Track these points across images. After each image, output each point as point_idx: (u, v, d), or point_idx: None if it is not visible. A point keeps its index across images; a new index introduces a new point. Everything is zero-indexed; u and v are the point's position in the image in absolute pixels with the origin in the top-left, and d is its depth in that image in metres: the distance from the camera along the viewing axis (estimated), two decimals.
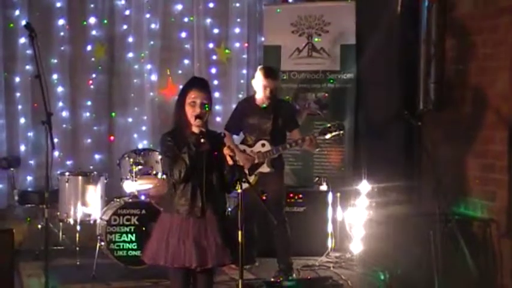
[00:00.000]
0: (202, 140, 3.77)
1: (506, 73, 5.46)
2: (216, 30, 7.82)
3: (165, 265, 3.85)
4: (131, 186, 6.19)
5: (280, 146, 5.94)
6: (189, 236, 3.81)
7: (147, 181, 6.32)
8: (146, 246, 3.97)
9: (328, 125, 5.91)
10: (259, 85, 6.00)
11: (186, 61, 7.72)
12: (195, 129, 3.83)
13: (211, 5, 7.78)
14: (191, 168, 3.79)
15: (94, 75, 7.50)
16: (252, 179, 5.94)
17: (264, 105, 6.00)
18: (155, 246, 3.87)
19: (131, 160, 6.16)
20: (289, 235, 6.03)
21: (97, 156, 7.48)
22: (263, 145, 5.99)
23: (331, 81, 7.32)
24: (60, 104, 7.37)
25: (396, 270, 5.55)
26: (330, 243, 6.82)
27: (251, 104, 6.11)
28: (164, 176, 6.02)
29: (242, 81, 7.83)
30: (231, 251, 3.88)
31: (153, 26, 7.62)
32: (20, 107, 7.27)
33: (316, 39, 7.34)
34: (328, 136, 5.84)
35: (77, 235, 6.37)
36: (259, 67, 6.26)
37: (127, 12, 7.57)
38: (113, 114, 7.59)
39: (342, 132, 5.82)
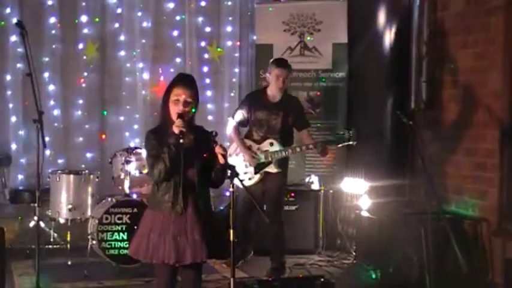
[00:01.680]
0: (181, 141, 3.75)
1: (497, 72, 5.48)
2: (208, 29, 7.81)
3: (145, 260, 3.89)
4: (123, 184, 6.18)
5: (290, 149, 5.86)
6: (170, 232, 3.83)
7: (139, 179, 6.31)
8: (131, 241, 4.02)
9: (342, 133, 5.85)
10: (272, 76, 5.92)
11: (178, 59, 7.71)
12: (175, 129, 3.79)
13: (203, 3, 7.76)
14: (171, 169, 3.79)
15: (86, 74, 7.46)
16: (256, 177, 5.91)
17: (275, 100, 5.92)
18: (138, 242, 3.91)
19: (123, 158, 6.15)
20: (285, 236, 6.03)
21: (89, 155, 7.46)
22: (271, 144, 5.90)
23: (323, 80, 7.33)
24: (52, 102, 7.34)
25: (388, 268, 5.56)
26: (321, 241, 6.84)
27: (261, 97, 6.03)
28: None
29: (234, 79, 7.83)
30: (216, 247, 3.88)
31: (144, 24, 7.60)
32: (11, 105, 7.23)
33: (308, 38, 7.35)
34: (340, 145, 5.84)
35: (69, 234, 6.36)
36: (271, 60, 6.22)
37: (119, 11, 7.55)
38: (105, 112, 7.57)
39: (355, 142, 5.77)
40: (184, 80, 3.96)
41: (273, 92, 5.96)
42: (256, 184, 5.91)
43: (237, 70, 7.85)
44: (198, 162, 3.86)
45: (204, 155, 3.86)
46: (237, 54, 7.84)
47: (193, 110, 3.89)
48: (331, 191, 7.03)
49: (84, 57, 7.45)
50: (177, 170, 3.81)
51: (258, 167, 5.91)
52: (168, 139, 3.80)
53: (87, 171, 6.55)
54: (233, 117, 6.10)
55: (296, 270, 6.18)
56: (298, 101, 6.30)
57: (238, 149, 5.98)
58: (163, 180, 3.83)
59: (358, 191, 6.67)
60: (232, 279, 3.77)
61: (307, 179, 7.07)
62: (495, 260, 5.41)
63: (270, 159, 5.88)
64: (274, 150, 5.88)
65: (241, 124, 6.12)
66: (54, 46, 7.35)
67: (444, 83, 6.20)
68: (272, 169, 5.91)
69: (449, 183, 6.05)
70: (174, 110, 3.85)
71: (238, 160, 5.88)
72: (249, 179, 5.89)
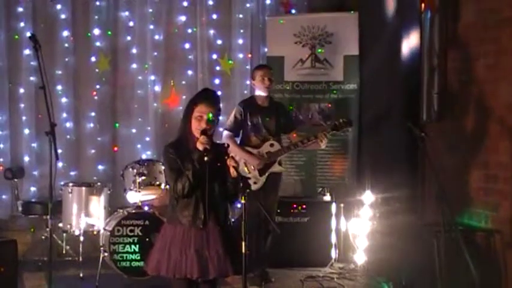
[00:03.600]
0: (205, 159, 3.75)
1: (509, 83, 5.45)
2: (219, 41, 7.84)
3: (167, 276, 3.85)
4: (135, 196, 6.20)
5: (291, 145, 6.07)
6: (191, 246, 3.81)
7: (151, 192, 6.32)
8: (149, 257, 3.97)
9: (339, 120, 6.07)
10: (257, 80, 6.15)
11: (190, 72, 7.74)
12: (200, 146, 3.79)
13: (214, 16, 7.80)
14: (195, 185, 3.79)
15: (98, 86, 7.52)
16: (261, 179, 5.95)
17: (265, 105, 6.16)
18: (157, 257, 3.87)
19: (135, 171, 6.17)
20: (270, 245, 6.09)
21: (100, 167, 7.49)
22: (271, 145, 6.06)
23: (334, 91, 7.33)
24: (64, 114, 7.39)
25: (400, 280, 5.53)
26: (333, 253, 6.81)
27: (252, 103, 6.21)
28: (168, 187, 6.03)
29: (245, 91, 7.84)
30: (235, 262, 3.85)
31: (156, 37, 7.65)
32: (24, 117, 7.30)
33: (319, 50, 7.37)
34: (339, 131, 6.09)
35: (80, 246, 6.38)
36: (252, 69, 6.46)
37: (131, 24, 7.61)
38: (117, 124, 7.61)
39: (351, 127, 6.14)
40: (210, 98, 3.97)
41: (262, 96, 6.19)
42: (258, 190, 5.93)
43: (248, 82, 7.85)
44: (219, 177, 3.86)
45: (218, 164, 3.86)
46: (248, 67, 7.86)
47: (210, 117, 3.89)
48: (342, 204, 7.00)
49: (97, 70, 7.51)
50: (202, 185, 3.80)
51: (264, 170, 5.99)
52: (191, 155, 3.81)
53: (99, 183, 6.59)
54: (227, 127, 6.20)
55: (308, 283, 6.16)
56: (285, 105, 6.69)
57: (237, 156, 5.98)
58: (186, 195, 3.82)
59: (370, 203, 6.65)
60: None
61: (318, 191, 7.06)
62: (508, 272, 5.36)
63: (273, 159, 6.00)
64: (276, 149, 6.03)
65: (237, 134, 6.20)
66: (66, 59, 7.42)
67: (456, 94, 6.18)
68: (276, 168, 6.06)
69: (462, 195, 6.01)
70: (196, 126, 3.86)
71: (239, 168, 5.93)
72: (254, 183, 5.93)
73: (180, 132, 3.98)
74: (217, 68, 7.84)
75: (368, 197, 6.64)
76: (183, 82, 7.67)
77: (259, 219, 5.81)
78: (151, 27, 7.63)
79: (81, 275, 6.19)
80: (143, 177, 6.13)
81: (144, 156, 7.30)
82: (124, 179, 6.38)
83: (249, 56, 7.85)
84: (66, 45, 7.43)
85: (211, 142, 3.85)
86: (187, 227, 3.84)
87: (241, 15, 7.81)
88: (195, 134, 3.86)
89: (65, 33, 7.42)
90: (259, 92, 6.19)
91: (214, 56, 7.83)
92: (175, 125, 4.08)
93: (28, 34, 5.82)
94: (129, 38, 7.62)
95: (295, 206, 6.75)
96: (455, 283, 5.00)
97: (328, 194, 6.96)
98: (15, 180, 7.00)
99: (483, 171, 5.77)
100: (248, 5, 7.81)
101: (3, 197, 7.21)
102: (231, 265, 3.85)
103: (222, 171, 3.86)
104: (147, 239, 5.85)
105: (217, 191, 3.89)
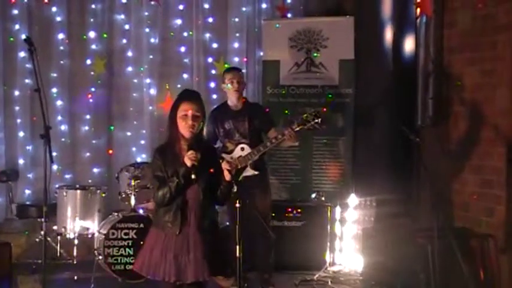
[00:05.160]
0: (192, 176, 3.78)
1: (505, 89, 5.47)
2: (215, 45, 7.84)
3: (147, 277, 3.94)
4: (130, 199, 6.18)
5: (260, 146, 5.84)
6: (171, 251, 3.86)
7: (146, 195, 6.31)
8: (137, 256, 4.09)
9: (305, 114, 5.81)
10: (227, 83, 6.02)
11: (185, 75, 7.74)
12: (187, 162, 3.81)
13: (210, 19, 7.80)
14: (175, 197, 3.83)
15: (93, 89, 7.51)
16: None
17: (238, 108, 6.02)
18: (141, 259, 3.97)
19: (130, 174, 6.16)
20: (271, 252, 5.98)
21: (96, 170, 7.48)
22: (242, 149, 5.89)
23: (330, 96, 7.33)
24: (59, 117, 7.38)
25: (395, 284, 5.53)
26: (328, 257, 6.81)
27: (224, 109, 6.11)
28: None
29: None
30: (220, 265, 3.91)
31: (152, 40, 7.65)
32: (19, 120, 7.28)
33: (315, 54, 7.37)
34: (307, 126, 5.75)
35: (75, 249, 6.37)
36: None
37: (126, 27, 7.60)
38: (112, 127, 7.60)
39: (320, 119, 5.74)
40: (191, 95, 4.00)
41: (233, 100, 6.04)
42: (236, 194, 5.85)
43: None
44: (204, 181, 3.87)
45: (211, 170, 3.87)
46: (244, 71, 7.84)
47: (201, 124, 3.91)
48: (337, 207, 7.01)
49: (92, 72, 7.49)
50: (182, 194, 3.86)
51: (236, 175, 5.85)
52: (177, 166, 3.82)
53: (94, 186, 6.58)
54: None
55: (302, 287, 6.16)
56: (260, 105, 6.55)
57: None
58: (165, 204, 3.88)
59: (365, 207, 6.65)
60: None
61: (313, 195, 7.06)
62: (502, 277, 5.38)
63: (244, 163, 5.84)
64: (247, 153, 5.85)
65: (212, 142, 6.02)
66: (62, 62, 7.41)
67: (451, 100, 6.20)
68: (248, 172, 5.84)
69: (456, 199, 6.03)
70: (183, 125, 3.88)
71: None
72: None
73: (168, 134, 4.00)
74: (213, 71, 7.83)
75: (362, 200, 6.64)
76: (179, 85, 7.65)
77: (253, 224, 5.78)
78: (147, 30, 7.63)
79: (75, 278, 6.17)
80: (138, 181, 6.14)
81: (139, 160, 7.28)
82: (119, 182, 6.38)
83: (245, 59, 7.84)
84: (62, 47, 7.41)
85: (196, 142, 3.86)
86: (169, 231, 3.88)
87: (237, 19, 7.82)
88: (183, 133, 3.89)
89: (61, 36, 7.41)
90: (230, 96, 6.07)
91: (210, 60, 7.82)
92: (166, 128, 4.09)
93: (23, 36, 5.82)
94: (124, 41, 7.61)
95: (290, 210, 6.74)
96: (449, 287, 5.01)
97: (323, 198, 6.95)
98: (10, 183, 6.99)
99: (478, 176, 5.79)
100: (244, 9, 7.82)
101: None
102: (207, 268, 3.85)
103: (214, 174, 3.88)
104: (142, 242, 5.80)
105: (201, 195, 3.89)
